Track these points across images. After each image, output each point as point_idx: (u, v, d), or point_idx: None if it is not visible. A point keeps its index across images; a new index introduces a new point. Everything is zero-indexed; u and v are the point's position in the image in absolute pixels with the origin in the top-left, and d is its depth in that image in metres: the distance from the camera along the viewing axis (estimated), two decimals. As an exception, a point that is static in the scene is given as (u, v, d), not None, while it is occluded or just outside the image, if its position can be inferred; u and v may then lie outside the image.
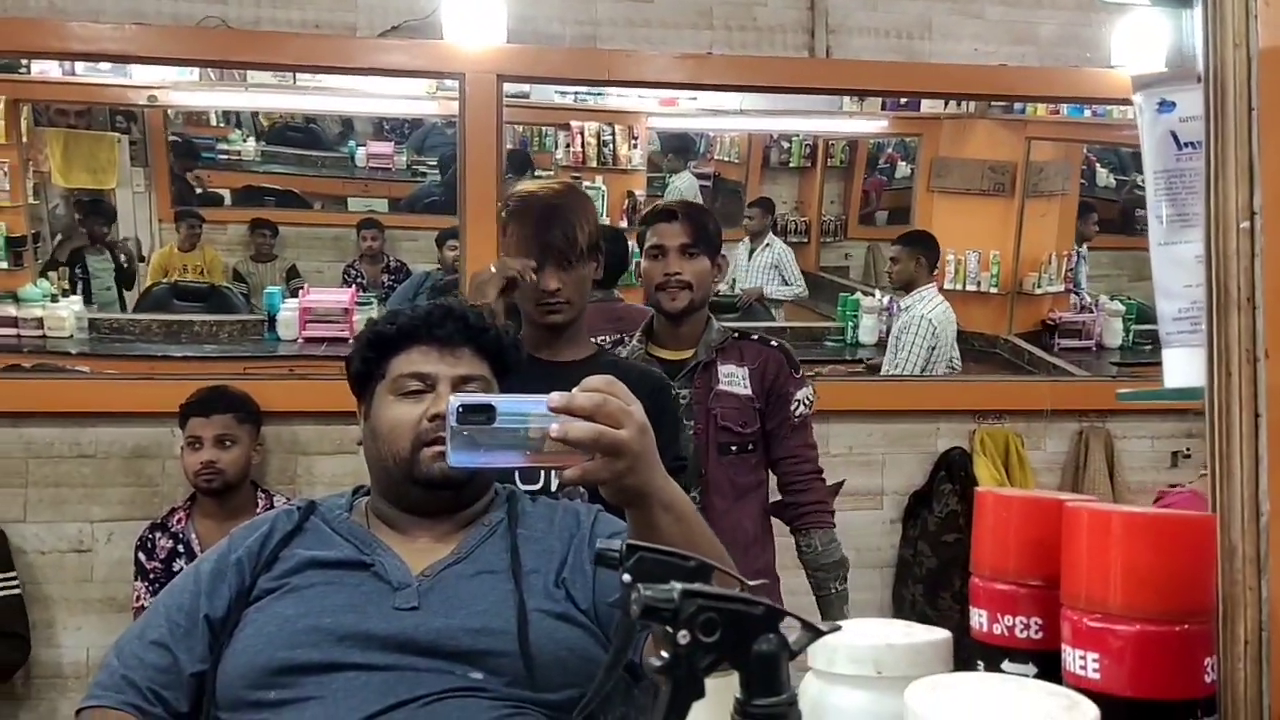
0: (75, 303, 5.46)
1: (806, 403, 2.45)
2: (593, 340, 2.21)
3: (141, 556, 2.94)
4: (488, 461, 1.08)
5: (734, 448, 2.38)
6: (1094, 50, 3.59)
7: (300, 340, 4.85)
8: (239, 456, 2.89)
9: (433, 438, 1.38)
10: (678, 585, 0.65)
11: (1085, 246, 6.32)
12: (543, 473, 1.83)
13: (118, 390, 3.51)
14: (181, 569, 2.45)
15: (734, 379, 2.38)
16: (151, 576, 2.88)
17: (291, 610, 1.33)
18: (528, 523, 1.44)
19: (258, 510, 2.82)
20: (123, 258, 6.17)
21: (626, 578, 0.84)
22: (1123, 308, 5.91)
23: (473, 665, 1.29)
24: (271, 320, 5.14)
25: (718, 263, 2.43)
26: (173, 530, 2.92)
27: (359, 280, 6.12)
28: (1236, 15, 0.80)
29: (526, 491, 1.62)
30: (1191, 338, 0.87)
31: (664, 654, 0.64)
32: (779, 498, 2.51)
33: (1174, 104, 0.89)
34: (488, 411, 1.06)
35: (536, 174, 6.50)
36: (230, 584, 1.38)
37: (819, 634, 0.67)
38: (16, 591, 3.12)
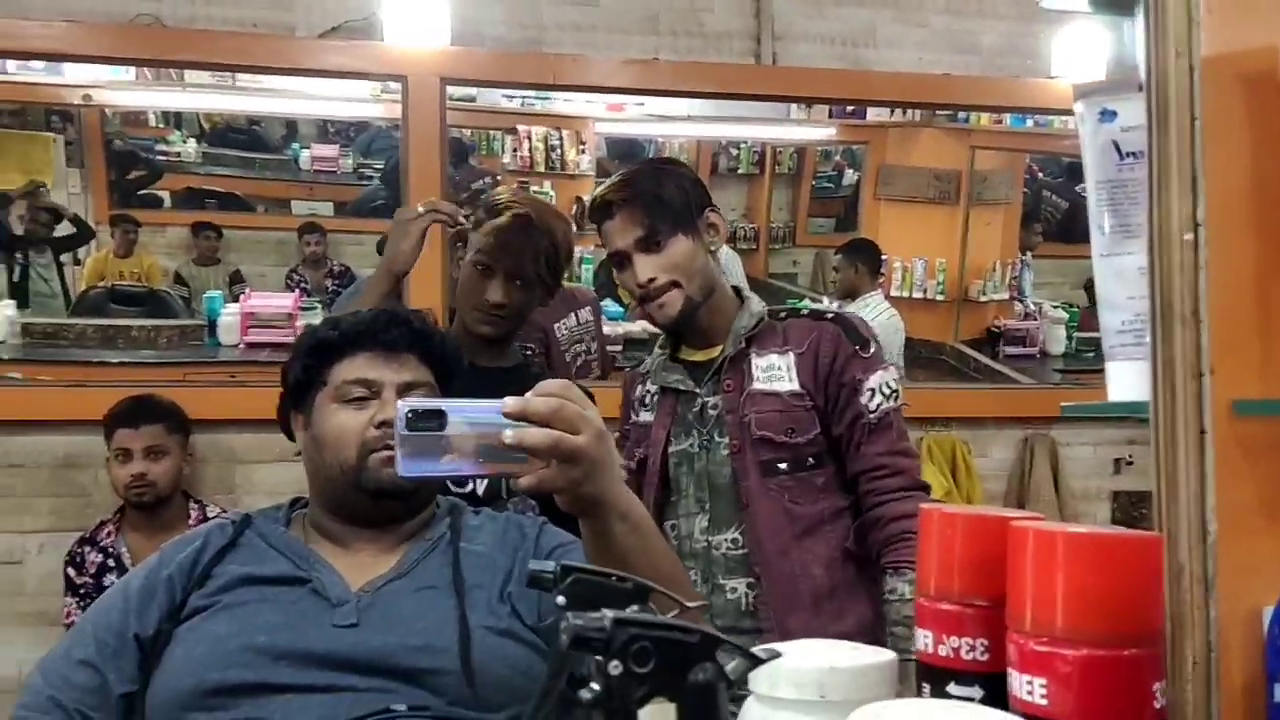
0: (8, 307, 5.31)
1: (885, 390, 1.78)
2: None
3: (71, 571, 2.87)
4: (439, 470, 1.02)
5: (782, 466, 1.79)
6: (1035, 60, 3.64)
7: (242, 345, 4.74)
8: (170, 468, 2.83)
9: (380, 445, 1.34)
10: (609, 613, 0.62)
11: (1030, 254, 6.41)
12: (473, 479, 1.78)
13: (49, 397, 3.42)
14: (112, 584, 2.37)
15: (774, 372, 1.81)
16: (82, 592, 2.81)
17: (224, 629, 1.28)
18: (471, 536, 1.40)
19: (190, 522, 2.77)
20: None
21: (561, 600, 0.80)
22: (1065, 315, 6.00)
23: (414, 684, 1.25)
24: (212, 325, 5.02)
25: (704, 227, 1.84)
26: (102, 544, 2.85)
27: (302, 285, 6.03)
28: (1178, 22, 0.78)
29: (456, 495, 1.58)
30: (1135, 350, 0.86)
31: (594, 686, 0.61)
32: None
33: (1115, 113, 0.88)
34: (438, 417, 1.01)
35: (478, 170, 6.46)
36: (160, 602, 1.32)
37: (757, 662, 0.64)
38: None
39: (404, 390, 1.39)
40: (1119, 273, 0.88)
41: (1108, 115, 0.89)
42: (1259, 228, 0.75)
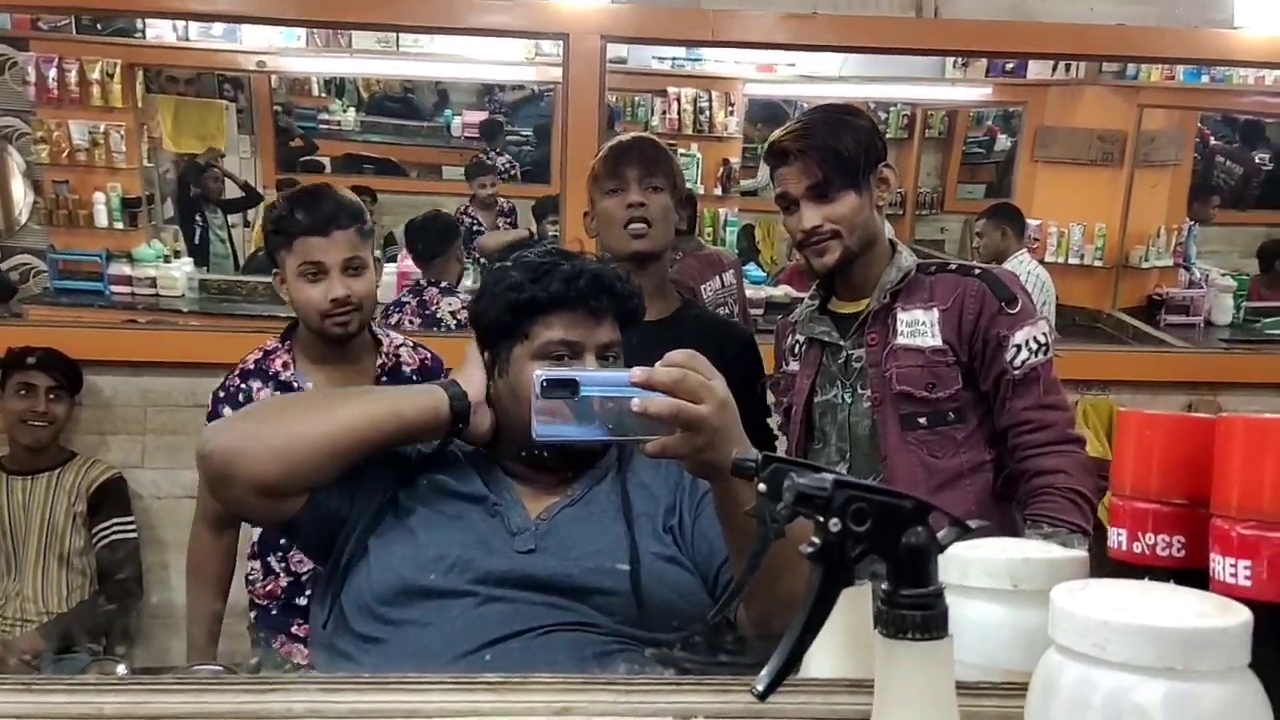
0: (186, 264, 5.67)
1: (1033, 345, 1.78)
2: (693, 289, 2.20)
3: (228, 413, 2.03)
4: (572, 435, 1.11)
5: (921, 420, 1.82)
6: (1217, 10, 3.45)
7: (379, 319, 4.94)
8: (371, 284, 2.07)
9: None
10: (829, 475, 0.66)
11: (1199, 227, 6.11)
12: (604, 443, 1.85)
13: (230, 342, 3.62)
14: None
15: (918, 327, 1.82)
16: None
17: (424, 537, 1.37)
18: (636, 467, 1.46)
19: (381, 358, 2.13)
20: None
21: (762, 487, 0.85)
22: (1234, 283, 5.71)
23: (585, 603, 1.32)
24: (369, 283, 5.24)
25: (875, 182, 1.85)
26: (278, 377, 2.09)
27: (476, 226, 6.02)
28: None
29: None
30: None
31: (815, 539, 0.65)
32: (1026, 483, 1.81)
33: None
34: (571, 386, 1.09)
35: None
36: (384, 482, 1.41)
37: (968, 531, 0.68)
38: (134, 536, 3.23)
39: (601, 351, 1.41)
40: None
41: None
42: None
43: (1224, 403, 3.65)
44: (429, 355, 2.18)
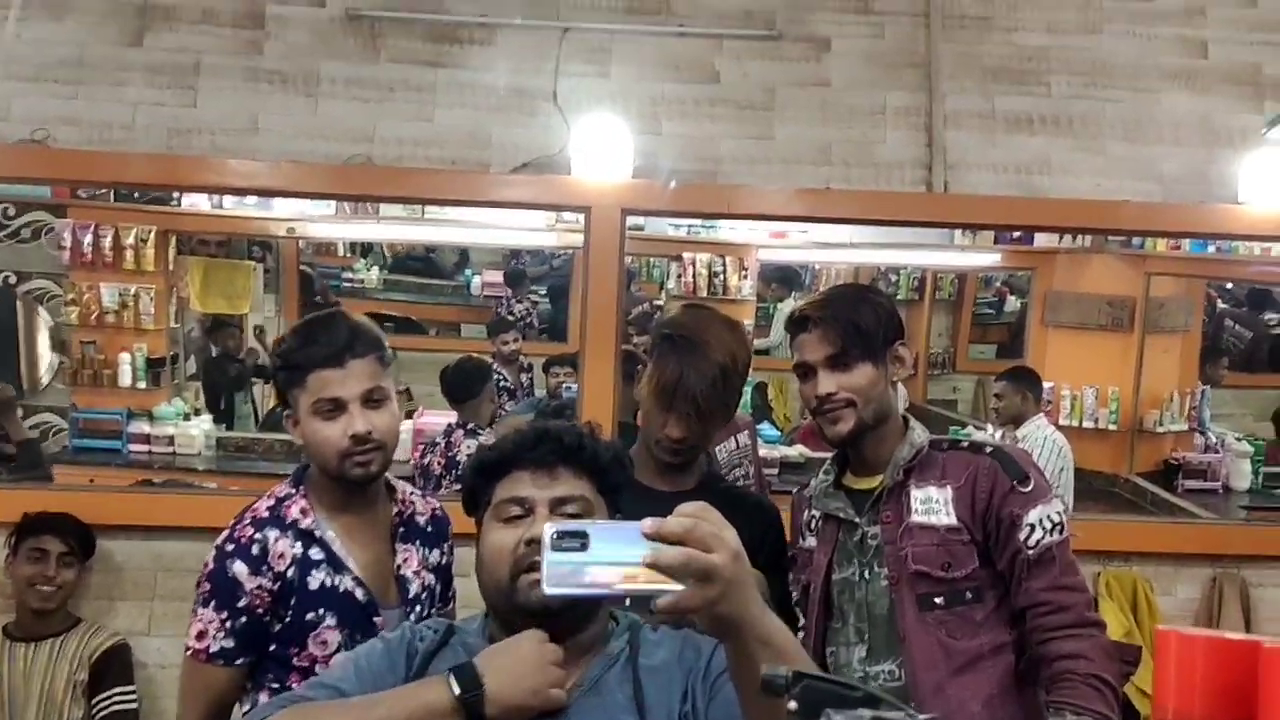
0: (205, 421, 5.71)
1: (1047, 525, 1.77)
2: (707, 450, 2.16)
3: (240, 569, 1.80)
4: (582, 591, 1.07)
5: (939, 599, 1.79)
6: (1220, 186, 3.55)
7: (413, 461, 4.96)
8: (393, 419, 1.88)
9: (529, 563, 1.35)
10: (867, 713, 0.65)
11: (1210, 388, 6.13)
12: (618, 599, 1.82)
13: (244, 505, 3.61)
14: (323, 584, 1.82)
15: (932, 505, 1.82)
16: (264, 593, 1.81)
17: None
18: (649, 652, 1.42)
19: (397, 506, 1.97)
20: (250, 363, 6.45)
21: (792, 705, 0.83)
22: (1251, 448, 5.67)
23: None
24: (388, 442, 5.25)
25: (889, 359, 1.89)
26: (296, 525, 1.84)
27: (502, 383, 6.03)
28: None
29: None
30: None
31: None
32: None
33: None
34: (582, 538, 1.06)
35: (638, 296, 6.55)
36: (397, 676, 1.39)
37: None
38: (134, 707, 3.14)
39: (555, 506, 1.40)
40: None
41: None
42: None
43: (1248, 576, 3.58)
44: (438, 507, 2.06)
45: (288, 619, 1.82)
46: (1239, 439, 5.82)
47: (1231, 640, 0.76)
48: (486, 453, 1.50)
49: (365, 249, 8.17)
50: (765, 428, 5.90)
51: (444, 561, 2.00)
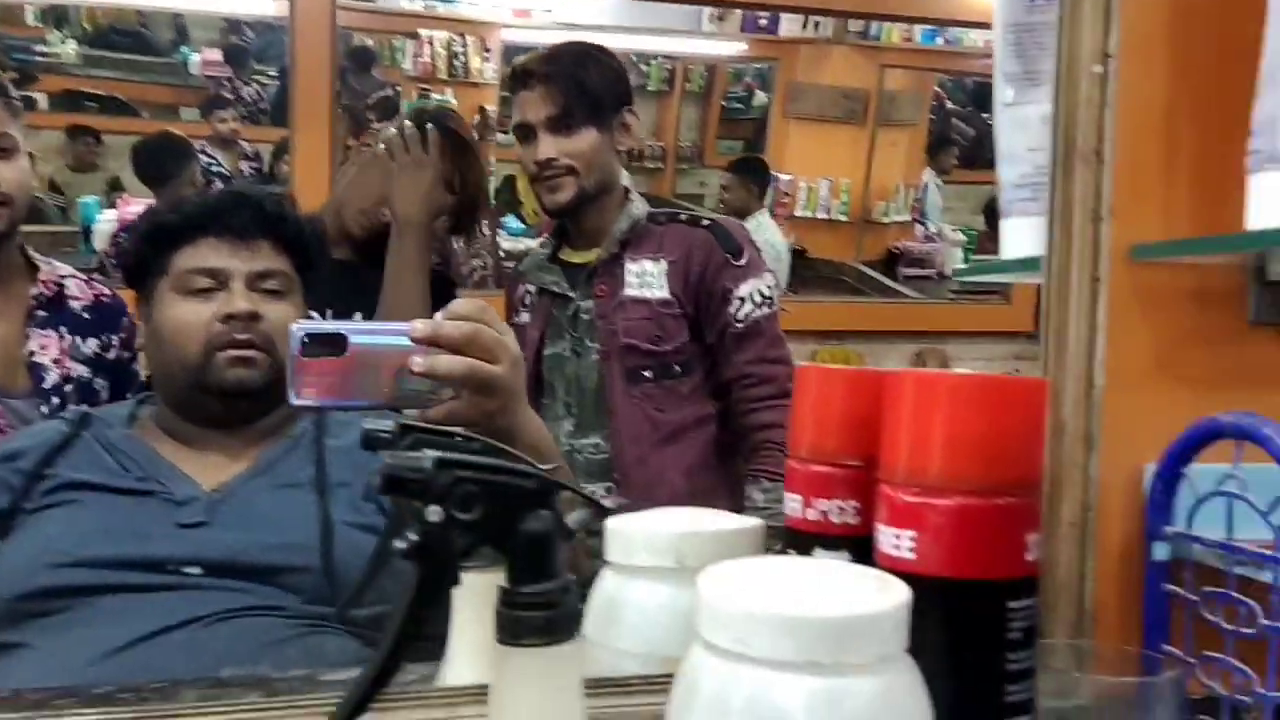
0: None
1: (756, 299, 1.77)
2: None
3: None
4: (338, 401, 0.93)
5: (647, 373, 1.76)
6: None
7: (104, 250, 4.51)
8: (23, 170, 1.63)
9: (226, 341, 1.24)
10: (430, 453, 0.54)
11: (940, 178, 6.43)
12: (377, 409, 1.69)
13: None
14: None
15: (646, 278, 1.78)
16: None
17: (54, 529, 1.17)
18: (339, 432, 1.30)
19: (40, 283, 1.71)
20: None
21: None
22: (964, 238, 6.05)
23: (269, 583, 1.16)
24: (87, 232, 4.77)
25: (617, 124, 1.80)
26: None
27: (214, 168, 5.53)
28: None
29: None
30: (1032, 205, 0.81)
31: (411, 535, 0.53)
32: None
33: (1025, -55, 0.81)
34: (337, 343, 0.91)
35: (379, 80, 6.16)
36: None
37: (602, 511, 0.58)
38: None
39: (254, 281, 1.27)
40: (1021, 123, 0.82)
41: (1016, -53, 0.82)
42: (1172, 61, 0.70)
43: (951, 351, 3.84)
44: (109, 293, 1.79)
45: None
46: (954, 230, 6.18)
47: (862, 372, 0.71)
48: (165, 215, 1.31)
49: (59, 19, 7.17)
50: (510, 220, 5.74)
51: (110, 355, 1.77)
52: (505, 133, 6.38)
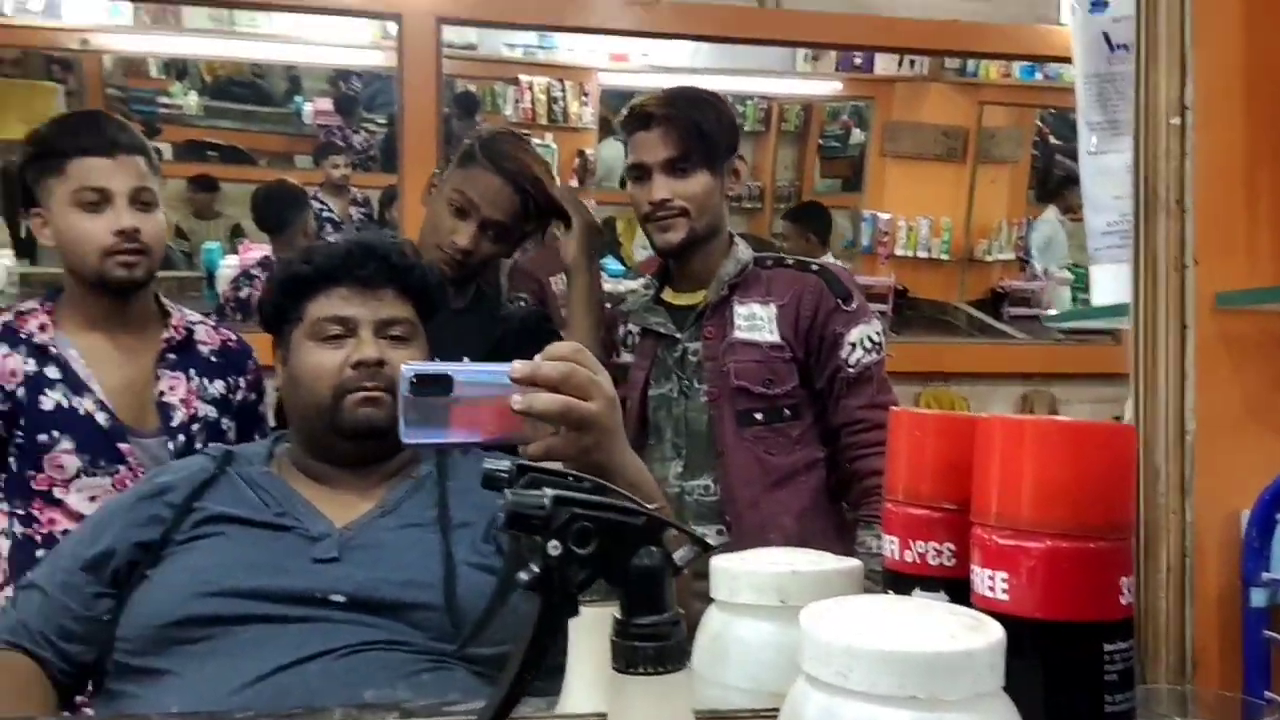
0: (6, 256, 5.29)
1: (867, 344, 1.78)
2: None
3: None
4: (444, 437, 0.99)
5: (758, 416, 1.78)
6: (1045, 6, 3.55)
7: (224, 295, 4.72)
8: (161, 225, 1.77)
9: (356, 386, 1.31)
10: (550, 491, 0.59)
11: (1066, 215, 6.30)
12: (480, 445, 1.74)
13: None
14: (58, 406, 1.69)
15: (756, 322, 1.79)
16: None
17: (201, 561, 1.25)
18: (459, 474, 1.36)
19: (169, 330, 1.82)
20: None
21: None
22: (1071, 276, 5.93)
23: (395, 618, 1.22)
24: (210, 277, 5.00)
25: (725, 171, 1.82)
26: (31, 339, 1.72)
27: (325, 213, 5.71)
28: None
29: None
30: (1120, 252, 0.82)
31: (534, 567, 0.58)
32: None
33: (1106, 3, 0.84)
34: (444, 383, 0.98)
35: (482, 126, 6.35)
36: (137, 536, 1.29)
37: (706, 548, 0.62)
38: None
39: (380, 328, 1.34)
40: (1105, 171, 0.84)
41: (1098, 6, 0.85)
42: (1248, 112, 0.71)
43: (1058, 394, 3.77)
44: (234, 338, 1.91)
45: (20, 441, 1.69)
46: (1061, 268, 6.07)
47: (954, 416, 0.74)
48: (299, 266, 1.38)
49: (180, 71, 7.56)
50: (610, 262, 5.84)
51: (237, 397, 1.88)
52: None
